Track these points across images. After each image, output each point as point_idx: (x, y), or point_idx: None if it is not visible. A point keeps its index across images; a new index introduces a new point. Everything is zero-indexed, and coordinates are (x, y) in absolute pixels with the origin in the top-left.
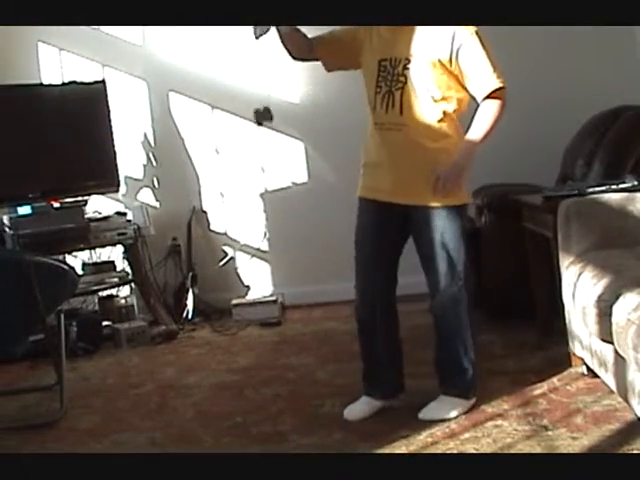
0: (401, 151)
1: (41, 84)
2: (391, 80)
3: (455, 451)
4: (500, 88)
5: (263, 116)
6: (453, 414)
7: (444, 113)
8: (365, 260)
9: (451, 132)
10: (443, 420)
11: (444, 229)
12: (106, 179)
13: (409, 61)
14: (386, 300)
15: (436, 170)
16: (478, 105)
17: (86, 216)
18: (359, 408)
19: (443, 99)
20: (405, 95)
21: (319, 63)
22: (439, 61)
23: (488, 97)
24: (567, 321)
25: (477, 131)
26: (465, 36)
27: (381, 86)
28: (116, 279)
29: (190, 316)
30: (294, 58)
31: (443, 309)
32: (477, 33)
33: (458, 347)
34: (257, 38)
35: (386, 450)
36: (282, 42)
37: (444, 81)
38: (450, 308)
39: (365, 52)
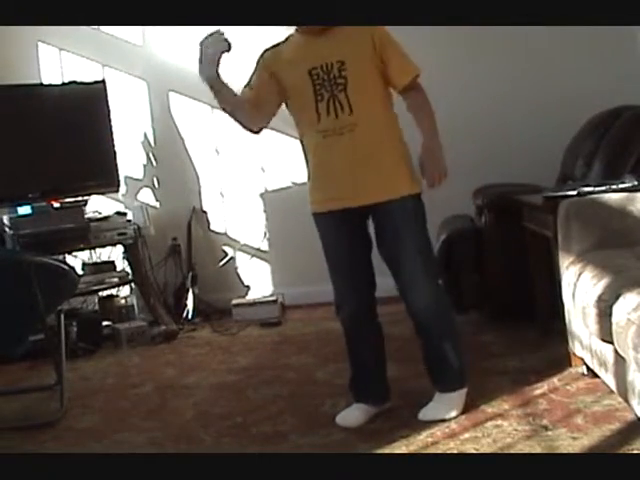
0: (356, 151)
1: (41, 84)
2: (330, 85)
3: (455, 451)
4: (418, 75)
5: None
6: (453, 414)
7: (386, 107)
8: (341, 274)
9: (395, 124)
10: (443, 420)
11: (408, 223)
12: (106, 179)
13: (343, 62)
14: (367, 306)
15: (423, 167)
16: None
17: (86, 216)
18: (353, 415)
19: (382, 93)
20: (350, 95)
21: None
22: (369, 57)
23: (409, 87)
24: (567, 321)
25: (429, 122)
26: (381, 31)
27: (322, 94)
28: (116, 279)
29: (190, 316)
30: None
31: (427, 309)
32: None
33: (446, 343)
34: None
35: (386, 450)
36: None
37: (378, 75)
38: (434, 307)
39: (287, 71)
